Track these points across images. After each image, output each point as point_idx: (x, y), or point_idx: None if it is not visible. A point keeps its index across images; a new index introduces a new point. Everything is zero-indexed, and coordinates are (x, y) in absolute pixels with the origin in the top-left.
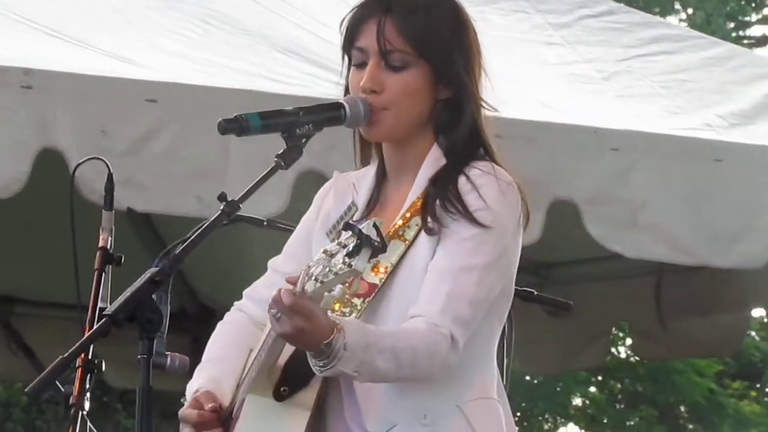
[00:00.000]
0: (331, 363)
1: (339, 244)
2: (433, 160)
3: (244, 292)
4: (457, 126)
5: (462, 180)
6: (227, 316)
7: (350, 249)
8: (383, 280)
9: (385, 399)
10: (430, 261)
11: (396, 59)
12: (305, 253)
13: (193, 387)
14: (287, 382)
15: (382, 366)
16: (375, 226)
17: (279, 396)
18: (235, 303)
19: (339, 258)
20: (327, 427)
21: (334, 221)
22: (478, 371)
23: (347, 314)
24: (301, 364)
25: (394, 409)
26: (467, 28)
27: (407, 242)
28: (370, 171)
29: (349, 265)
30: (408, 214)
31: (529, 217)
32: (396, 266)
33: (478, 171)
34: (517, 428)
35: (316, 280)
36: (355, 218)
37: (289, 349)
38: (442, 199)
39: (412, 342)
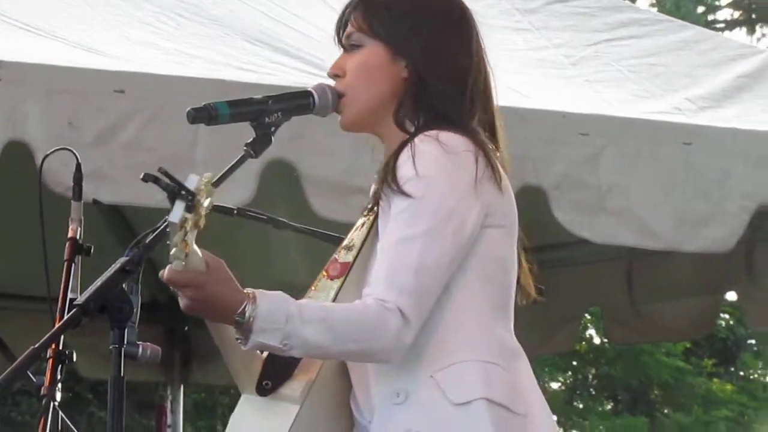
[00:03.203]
0: (247, 334)
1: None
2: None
3: None
4: (419, 106)
5: (402, 154)
6: None
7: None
8: (355, 258)
9: (371, 385)
10: None
11: (354, 39)
12: None
13: None
14: (269, 375)
15: (313, 338)
16: (173, 178)
17: (262, 390)
18: None
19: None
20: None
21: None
22: (455, 337)
23: (323, 298)
24: (280, 356)
25: (376, 395)
26: (439, 6)
27: (371, 222)
28: None
29: (168, 220)
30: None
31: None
32: (363, 245)
33: (419, 138)
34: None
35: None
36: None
37: None
38: (383, 177)
39: (350, 315)
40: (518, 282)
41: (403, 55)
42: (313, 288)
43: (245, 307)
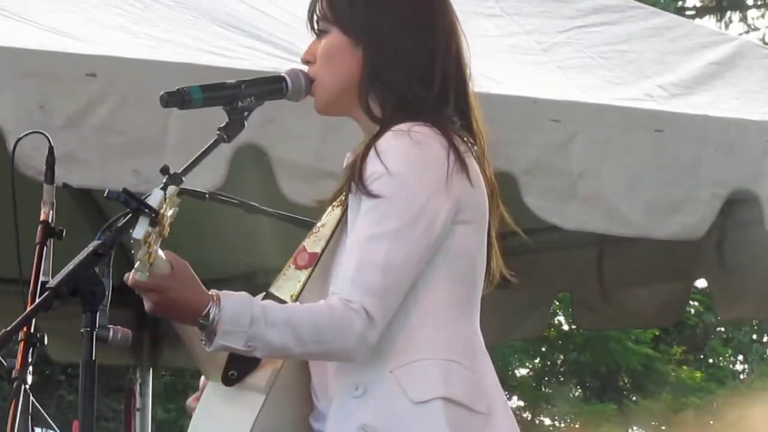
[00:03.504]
0: (210, 336)
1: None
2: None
3: None
4: (380, 93)
5: (372, 149)
6: None
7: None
8: (323, 249)
9: (329, 375)
10: None
11: (321, 26)
12: None
13: None
14: (234, 365)
15: (277, 340)
16: (132, 196)
17: (228, 381)
18: None
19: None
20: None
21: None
22: (418, 334)
23: (291, 287)
24: None
25: (334, 385)
26: None
27: (341, 211)
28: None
29: (132, 236)
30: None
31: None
32: (331, 237)
33: (389, 133)
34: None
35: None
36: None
37: None
38: (350, 173)
39: (314, 316)
40: (487, 267)
41: (358, 41)
42: (281, 277)
43: (209, 309)
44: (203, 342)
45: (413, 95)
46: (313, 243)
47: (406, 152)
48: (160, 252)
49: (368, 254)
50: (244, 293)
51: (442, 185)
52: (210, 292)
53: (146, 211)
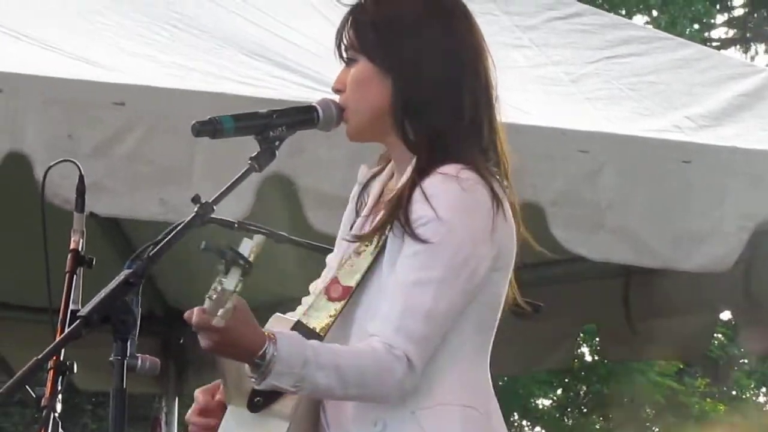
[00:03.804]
0: (263, 376)
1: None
2: (409, 169)
3: (309, 287)
4: (408, 124)
5: (418, 190)
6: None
7: (223, 269)
8: (358, 284)
9: (346, 407)
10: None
11: (349, 54)
12: None
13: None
14: (261, 392)
15: (323, 383)
16: (232, 248)
17: (253, 406)
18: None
19: (218, 278)
20: None
21: (354, 217)
22: (443, 378)
23: (323, 318)
24: None
25: (352, 418)
26: (429, 19)
27: (377, 248)
28: (388, 166)
29: (222, 284)
30: (379, 222)
31: (516, 216)
32: (367, 272)
33: (438, 177)
34: None
35: (209, 298)
36: (363, 214)
37: None
38: (393, 213)
39: (361, 362)
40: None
41: (386, 70)
42: (312, 306)
43: (266, 350)
44: (253, 380)
45: (444, 123)
46: (346, 276)
47: (456, 199)
48: None
49: (413, 300)
50: (296, 334)
51: (487, 235)
52: (266, 332)
53: (241, 263)
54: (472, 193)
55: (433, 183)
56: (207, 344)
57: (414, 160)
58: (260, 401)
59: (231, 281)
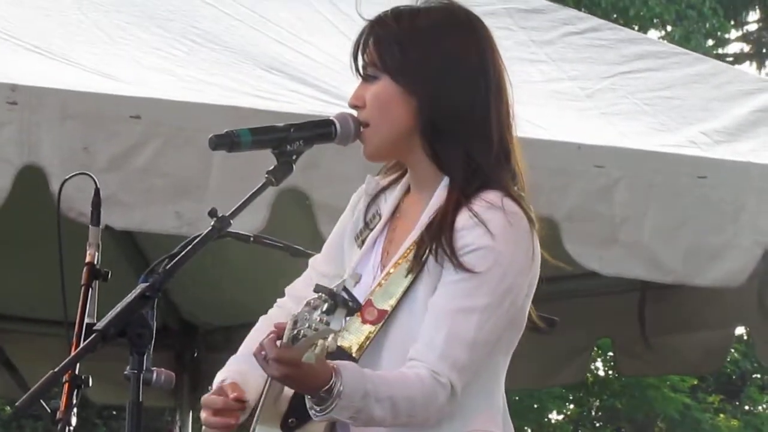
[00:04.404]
0: (327, 409)
1: (320, 298)
2: (441, 190)
3: (286, 289)
4: (437, 145)
5: (464, 216)
6: (268, 312)
7: (326, 308)
8: (393, 307)
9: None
10: (431, 296)
11: (369, 71)
12: (339, 253)
13: (219, 378)
14: (295, 413)
15: (378, 414)
16: (345, 288)
17: (287, 427)
18: (277, 299)
19: (317, 315)
20: None
21: (361, 227)
22: (478, 405)
23: (355, 341)
24: None
25: None
26: (453, 38)
27: (413, 273)
28: (402, 180)
29: (327, 323)
30: (415, 245)
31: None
32: (402, 297)
33: (483, 205)
34: None
35: (298, 333)
36: (377, 228)
37: None
38: (437, 240)
39: (411, 392)
40: None
41: (411, 91)
42: (344, 329)
43: (333, 384)
44: (314, 411)
45: (474, 144)
46: (381, 299)
47: (502, 229)
48: None
49: (457, 328)
50: (354, 365)
51: (528, 264)
52: (331, 365)
53: (350, 304)
54: (517, 223)
55: (478, 211)
56: (275, 375)
57: (445, 181)
58: (294, 422)
59: (338, 322)
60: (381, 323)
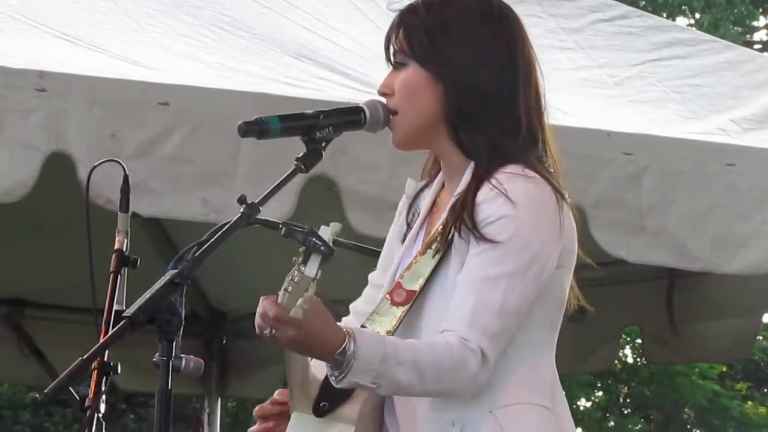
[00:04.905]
0: (344, 372)
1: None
2: (467, 175)
3: (350, 307)
4: (463, 132)
5: (485, 189)
6: None
7: (302, 258)
8: (422, 287)
9: (420, 410)
10: (459, 273)
11: (398, 58)
12: (391, 262)
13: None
14: (326, 396)
15: (403, 378)
16: (315, 233)
17: (319, 411)
18: (342, 318)
19: (295, 267)
20: None
21: (405, 229)
22: (517, 376)
23: (386, 323)
24: None
25: (427, 420)
26: (482, 26)
27: (440, 252)
28: (438, 176)
29: (302, 272)
30: (441, 226)
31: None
32: (431, 276)
33: (504, 176)
34: None
35: (285, 290)
36: (416, 224)
37: (322, 364)
38: (460, 217)
39: (437, 357)
40: None
41: (439, 77)
42: (376, 312)
43: (346, 346)
44: (332, 377)
45: (501, 130)
46: (409, 280)
47: (524, 196)
48: None
49: (484, 295)
50: (373, 331)
51: (555, 232)
52: (344, 329)
53: (322, 249)
54: (539, 191)
55: (499, 182)
56: (283, 339)
57: (471, 166)
58: (326, 406)
59: (312, 268)
60: (410, 304)
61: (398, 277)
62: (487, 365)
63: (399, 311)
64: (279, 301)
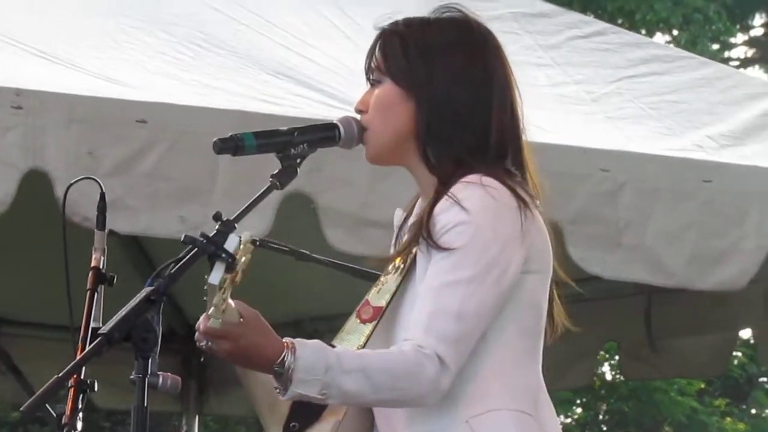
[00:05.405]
0: (286, 385)
1: None
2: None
3: None
4: (430, 149)
5: (442, 201)
6: None
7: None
8: (388, 303)
9: (399, 423)
10: None
11: (375, 75)
12: None
13: None
14: (297, 416)
15: (351, 387)
16: (213, 241)
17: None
18: None
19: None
20: None
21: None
22: (491, 384)
23: (354, 340)
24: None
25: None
26: (459, 48)
27: (405, 267)
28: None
29: (207, 281)
30: (405, 242)
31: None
32: (397, 290)
33: (460, 185)
34: None
35: (207, 302)
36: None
37: None
38: (418, 230)
39: (388, 364)
40: (550, 317)
41: (411, 94)
42: (343, 329)
43: (284, 357)
44: (277, 390)
45: (469, 149)
46: (376, 296)
47: (480, 202)
48: (230, 300)
49: (442, 301)
50: (317, 341)
51: (515, 237)
52: (284, 340)
53: (223, 256)
54: (496, 196)
55: (455, 191)
56: (220, 351)
57: (435, 182)
58: (296, 427)
59: (215, 276)
60: (377, 320)
61: (367, 294)
62: (447, 370)
63: (367, 328)
64: (208, 313)
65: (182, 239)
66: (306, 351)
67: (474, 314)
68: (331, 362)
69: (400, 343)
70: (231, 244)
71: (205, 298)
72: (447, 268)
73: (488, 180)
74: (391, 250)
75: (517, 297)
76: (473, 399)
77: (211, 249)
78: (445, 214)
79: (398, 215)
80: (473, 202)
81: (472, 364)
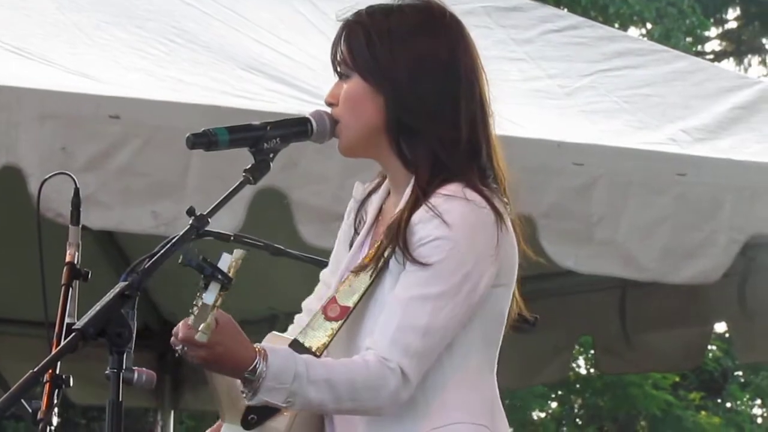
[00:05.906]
0: (255, 392)
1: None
2: (409, 189)
3: (302, 304)
4: (403, 142)
5: (421, 210)
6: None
7: (203, 284)
8: (356, 304)
9: (359, 428)
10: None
11: (342, 69)
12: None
13: None
14: (255, 409)
15: (315, 397)
16: (208, 261)
17: (247, 424)
18: (296, 315)
19: (198, 293)
20: None
21: (352, 233)
22: (455, 396)
23: (319, 336)
24: None
25: None
26: (422, 34)
27: (377, 269)
28: (384, 182)
29: (201, 299)
30: (377, 245)
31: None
32: (365, 293)
33: (441, 198)
34: None
35: (192, 312)
36: (362, 232)
37: None
38: (394, 237)
39: (352, 375)
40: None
41: (379, 88)
42: (309, 324)
43: (256, 365)
44: (244, 395)
45: (441, 141)
46: (345, 296)
47: (459, 217)
48: None
49: (410, 315)
50: (287, 348)
51: (490, 252)
52: (256, 347)
53: (220, 278)
54: (476, 211)
55: (436, 203)
56: (194, 358)
57: (412, 180)
58: (254, 419)
59: (210, 296)
60: (344, 320)
61: (335, 291)
62: (408, 384)
63: (332, 326)
64: (190, 322)
65: (180, 261)
66: (276, 359)
67: (441, 328)
68: (300, 371)
69: (364, 353)
70: (224, 262)
71: (191, 311)
72: (419, 282)
73: (471, 194)
74: (348, 219)
75: (484, 310)
76: (435, 411)
77: (209, 271)
78: (424, 226)
79: (359, 188)
80: (454, 217)
81: (435, 376)
